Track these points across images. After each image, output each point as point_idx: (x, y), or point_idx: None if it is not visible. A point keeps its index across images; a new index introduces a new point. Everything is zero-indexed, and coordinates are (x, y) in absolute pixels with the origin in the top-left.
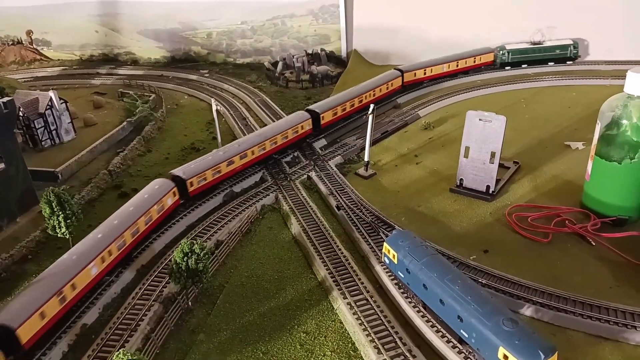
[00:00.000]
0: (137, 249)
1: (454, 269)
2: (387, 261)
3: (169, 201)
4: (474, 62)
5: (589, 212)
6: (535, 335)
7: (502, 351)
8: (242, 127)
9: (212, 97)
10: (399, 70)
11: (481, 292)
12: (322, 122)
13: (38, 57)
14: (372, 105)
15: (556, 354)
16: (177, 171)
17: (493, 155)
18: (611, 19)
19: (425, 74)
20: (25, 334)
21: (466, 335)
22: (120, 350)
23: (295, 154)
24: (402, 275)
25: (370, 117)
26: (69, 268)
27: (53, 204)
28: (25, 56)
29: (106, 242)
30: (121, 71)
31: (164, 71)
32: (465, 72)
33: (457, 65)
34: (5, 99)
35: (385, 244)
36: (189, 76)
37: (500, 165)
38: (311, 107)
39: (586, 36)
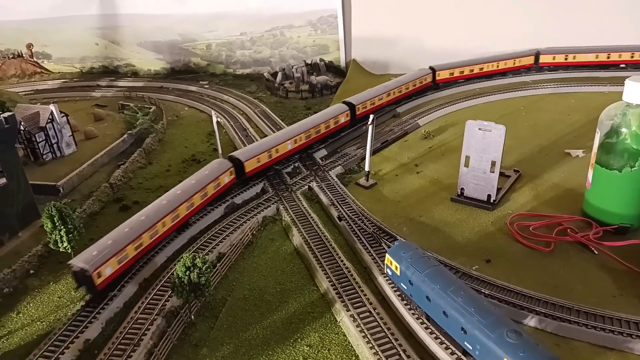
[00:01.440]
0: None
1: (457, 280)
2: (389, 272)
3: (226, 179)
4: (514, 64)
5: (590, 221)
6: (539, 347)
7: None
8: (243, 138)
9: (212, 109)
10: (431, 68)
11: (484, 304)
12: (358, 113)
13: (38, 70)
14: (371, 116)
15: None
16: (237, 153)
17: (493, 164)
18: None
19: (462, 72)
20: (99, 276)
21: (470, 347)
22: None
23: (296, 164)
24: (405, 287)
25: (370, 127)
26: (140, 224)
27: (55, 218)
28: (25, 69)
29: (172, 207)
30: (121, 83)
31: (164, 83)
32: (503, 73)
33: (498, 66)
34: (7, 114)
35: (387, 256)
36: (189, 87)
37: (501, 174)
38: (348, 99)
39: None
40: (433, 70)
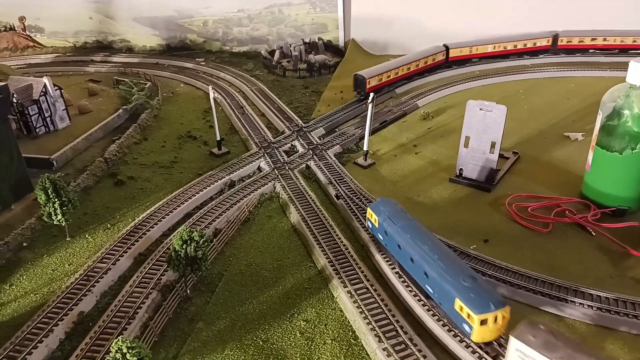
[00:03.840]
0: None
1: (428, 233)
2: (369, 225)
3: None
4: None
5: (588, 203)
6: (491, 291)
7: (458, 303)
8: (239, 116)
9: (209, 85)
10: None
11: (449, 254)
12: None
13: (31, 43)
14: (372, 94)
15: (508, 308)
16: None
17: (493, 145)
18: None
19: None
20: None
21: (431, 291)
22: (119, 337)
23: (294, 142)
24: (381, 238)
25: (370, 105)
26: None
27: (49, 190)
28: (18, 43)
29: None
30: (116, 59)
31: (160, 59)
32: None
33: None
34: None
35: (368, 209)
36: (185, 64)
37: (500, 156)
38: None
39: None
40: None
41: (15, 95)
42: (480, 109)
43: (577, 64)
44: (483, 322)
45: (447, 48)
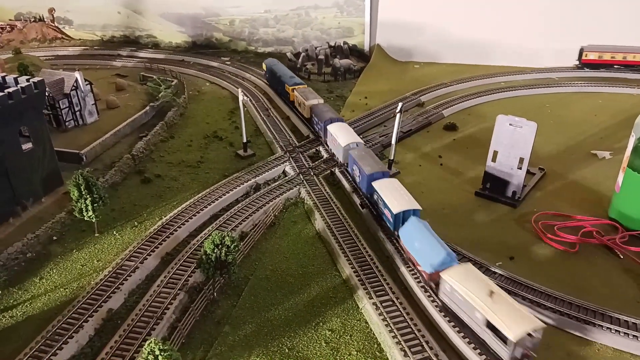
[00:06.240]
0: None
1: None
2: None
3: None
4: None
5: (616, 224)
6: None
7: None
8: (264, 118)
9: (239, 88)
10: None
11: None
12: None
13: (59, 35)
14: (400, 104)
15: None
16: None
17: (521, 161)
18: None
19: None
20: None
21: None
22: (152, 339)
23: (318, 147)
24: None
25: (398, 115)
26: None
27: (81, 187)
28: (46, 34)
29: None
30: (142, 54)
31: (185, 56)
32: None
33: None
34: (36, 79)
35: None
36: (210, 63)
37: (526, 171)
38: None
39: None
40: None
41: (47, 89)
42: (510, 125)
43: (604, 79)
44: None
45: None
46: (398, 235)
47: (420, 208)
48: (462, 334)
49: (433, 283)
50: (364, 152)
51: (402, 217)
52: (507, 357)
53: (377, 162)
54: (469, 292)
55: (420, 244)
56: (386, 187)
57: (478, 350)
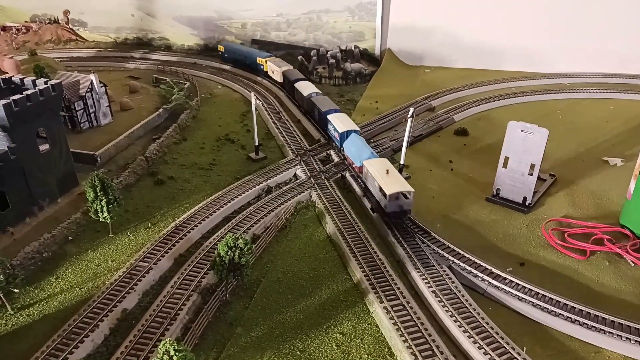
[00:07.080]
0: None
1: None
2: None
3: None
4: None
5: (627, 232)
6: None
7: None
8: (276, 121)
9: (252, 92)
10: None
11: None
12: None
13: (74, 37)
14: (411, 109)
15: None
16: None
17: (532, 167)
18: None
19: None
20: None
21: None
22: (167, 340)
23: (329, 151)
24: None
25: (409, 120)
26: None
27: (97, 188)
28: (61, 35)
29: None
30: (154, 56)
31: (197, 59)
32: None
33: None
34: (54, 81)
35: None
36: (222, 66)
37: (537, 177)
38: None
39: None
40: None
41: (63, 91)
42: (522, 131)
43: (615, 86)
44: None
45: None
46: (343, 149)
47: (358, 128)
48: (472, 340)
49: (360, 173)
50: (322, 98)
51: (345, 135)
52: (384, 204)
53: (330, 103)
54: (375, 170)
55: (355, 149)
56: (337, 118)
57: (488, 356)
